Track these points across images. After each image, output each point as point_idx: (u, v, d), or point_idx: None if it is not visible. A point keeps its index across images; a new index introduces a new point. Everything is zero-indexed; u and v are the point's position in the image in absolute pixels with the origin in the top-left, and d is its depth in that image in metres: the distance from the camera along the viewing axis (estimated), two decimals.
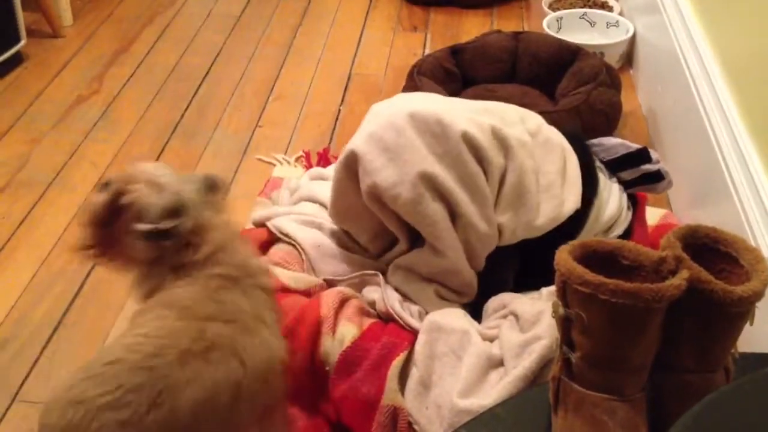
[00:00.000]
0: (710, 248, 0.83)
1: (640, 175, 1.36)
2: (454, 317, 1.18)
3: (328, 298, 1.20)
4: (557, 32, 2.10)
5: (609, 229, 1.30)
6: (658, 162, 1.37)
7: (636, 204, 1.39)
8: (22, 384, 1.25)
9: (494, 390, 1.06)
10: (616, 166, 1.36)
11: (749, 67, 1.39)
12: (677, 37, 1.72)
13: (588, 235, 1.28)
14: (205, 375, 0.86)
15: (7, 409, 1.21)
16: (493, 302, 1.24)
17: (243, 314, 0.94)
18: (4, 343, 1.32)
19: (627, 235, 1.33)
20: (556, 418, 0.82)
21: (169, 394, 0.83)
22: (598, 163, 1.35)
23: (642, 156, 1.35)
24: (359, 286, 1.27)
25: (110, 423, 0.81)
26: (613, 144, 1.38)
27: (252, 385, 0.90)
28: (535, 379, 1.08)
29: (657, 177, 1.36)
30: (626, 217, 1.33)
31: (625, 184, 1.37)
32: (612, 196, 1.32)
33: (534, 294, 1.22)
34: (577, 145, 1.33)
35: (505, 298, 1.23)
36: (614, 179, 1.36)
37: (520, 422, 0.86)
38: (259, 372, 0.91)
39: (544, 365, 1.08)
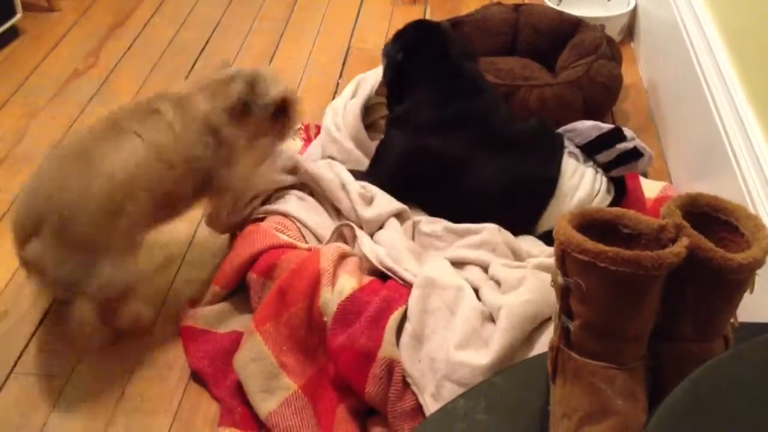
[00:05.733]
0: (711, 217, 0.82)
1: (618, 155, 1.36)
2: (448, 274, 1.19)
3: (327, 252, 1.21)
4: (558, 5, 2.08)
5: None
6: (633, 139, 1.36)
7: (623, 188, 1.39)
8: (19, 357, 1.25)
9: (490, 346, 1.07)
10: (591, 149, 1.36)
11: (750, 38, 1.38)
12: (678, 9, 1.70)
13: (552, 215, 1.31)
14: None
15: (5, 382, 1.21)
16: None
17: None
18: (1, 316, 1.32)
19: None
20: (554, 386, 0.81)
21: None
22: (571, 149, 1.36)
23: (615, 135, 1.35)
24: (352, 243, 1.29)
25: None
26: (585, 127, 1.38)
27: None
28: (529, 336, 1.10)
29: (635, 155, 1.36)
30: (601, 201, 1.33)
31: (605, 167, 1.36)
32: (583, 182, 1.33)
33: (519, 264, 1.22)
34: (547, 136, 1.36)
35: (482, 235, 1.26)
36: (590, 163, 1.35)
37: (519, 391, 0.85)
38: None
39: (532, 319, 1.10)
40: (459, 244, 1.26)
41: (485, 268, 1.21)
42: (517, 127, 1.38)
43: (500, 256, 1.23)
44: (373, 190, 1.35)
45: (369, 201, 1.33)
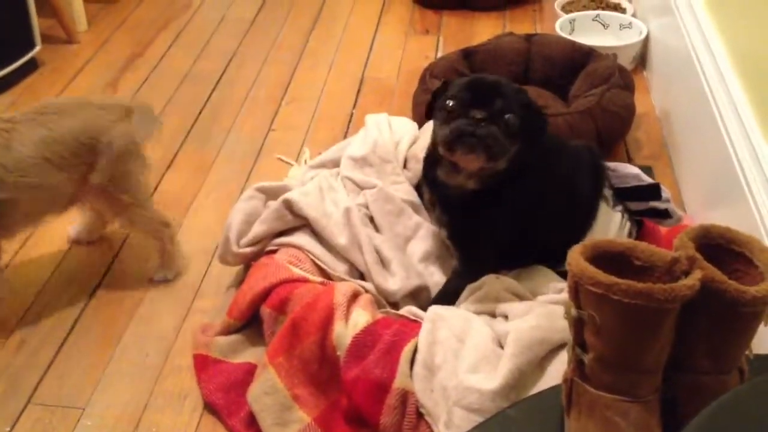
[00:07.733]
0: (724, 248, 0.82)
1: (647, 209, 1.36)
2: (455, 309, 1.21)
3: (342, 287, 1.22)
4: (570, 34, 2.09)
5: None
6: (668, 201, 1.37)
7: (641, 227, 1.39)
8: (36, 387, 1.26)
9: (498, 371, 1.07)
10: (625, 195, 1.36)
11: (763, 67, 1.38)
12: (690, 38, 1.71)
13: None
14: None
15: (22, 412, 1.22)
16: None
17: None
18: (19, 345, 1.33)
19: None
20: (569, 419, 0.81)
21: None
22: (605, 190, 1.35)
23: (652, 192, 1.35)
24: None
25: None
26: (627, 173, 1.38)
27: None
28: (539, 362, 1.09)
29: (664, 215, 1.36)
30: None
31: (632, 213, 1.37)
32: (610, 227, 1.32)
33: (528, 301, 1.22)
34: (594, 171, 1.33)
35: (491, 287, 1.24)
36: (619, 207, 1.35)
37: (533, 423, 0.85)
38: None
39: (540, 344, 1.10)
40: (465, 304, 1.26)
41: (492, 314, 1.22)
42: (568, 149, 1.35)
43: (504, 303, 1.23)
44: (389, 255, 1.34)
45: (386, 266, 1.33)
